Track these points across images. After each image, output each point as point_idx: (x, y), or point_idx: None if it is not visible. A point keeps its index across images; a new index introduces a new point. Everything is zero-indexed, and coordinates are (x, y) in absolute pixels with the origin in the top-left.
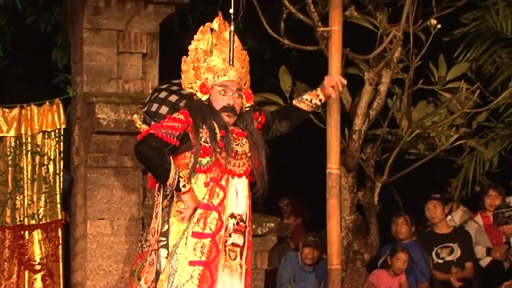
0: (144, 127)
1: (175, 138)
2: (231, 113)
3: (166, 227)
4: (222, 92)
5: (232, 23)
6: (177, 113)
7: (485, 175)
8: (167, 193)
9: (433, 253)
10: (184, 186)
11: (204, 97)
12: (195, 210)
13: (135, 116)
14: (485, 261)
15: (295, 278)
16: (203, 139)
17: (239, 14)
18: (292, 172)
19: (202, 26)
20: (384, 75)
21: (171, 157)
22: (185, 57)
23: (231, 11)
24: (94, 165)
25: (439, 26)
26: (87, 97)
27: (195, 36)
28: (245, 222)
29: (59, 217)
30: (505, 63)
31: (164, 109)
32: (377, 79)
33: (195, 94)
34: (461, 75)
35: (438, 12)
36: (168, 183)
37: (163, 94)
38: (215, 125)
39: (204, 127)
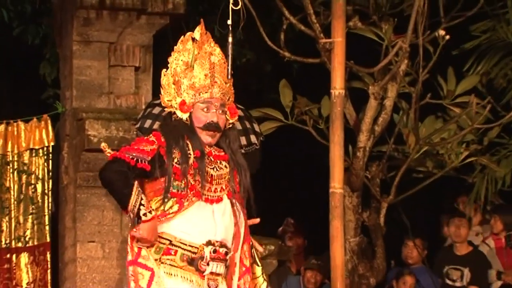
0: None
1: (146, 162)
2: (215, 131)
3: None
4: (205, 109)
5: (230, 35)
6: (150, 135)
7: (498, 194)
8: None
9: (444, 272)
10: (145, 214)
11: (184, 116)
12: (151, 244)
13: (103, 144)
14: (496, 285)
15: None
16: (175, 160)
17: (239, 25)
18: (294, 192)
19: (182, 36)
20: (390, 89)
21: (137, 182)
22: (164, 70)
23: (229, 22)
24: (84, 185)
25: (447, 37)
26: (77, 113)
27: (175, 47)
28: (227, 248)
29: (48, 239)
30: None
31: (158, 125)
32: (383, 93)
33: (174, 113)
34: (471, 88)
35: (446, 23)
36: (128, 209)
37: (157, 110)
38: (189, 146)
39: (176, 148)
